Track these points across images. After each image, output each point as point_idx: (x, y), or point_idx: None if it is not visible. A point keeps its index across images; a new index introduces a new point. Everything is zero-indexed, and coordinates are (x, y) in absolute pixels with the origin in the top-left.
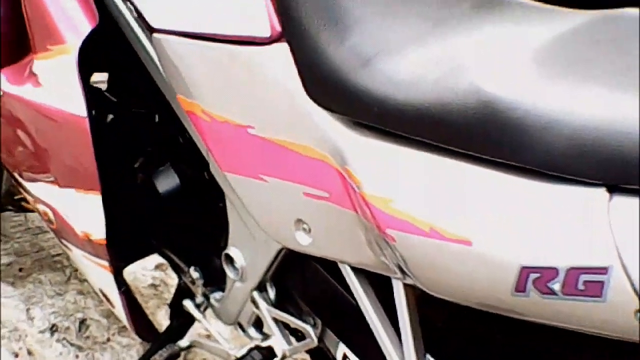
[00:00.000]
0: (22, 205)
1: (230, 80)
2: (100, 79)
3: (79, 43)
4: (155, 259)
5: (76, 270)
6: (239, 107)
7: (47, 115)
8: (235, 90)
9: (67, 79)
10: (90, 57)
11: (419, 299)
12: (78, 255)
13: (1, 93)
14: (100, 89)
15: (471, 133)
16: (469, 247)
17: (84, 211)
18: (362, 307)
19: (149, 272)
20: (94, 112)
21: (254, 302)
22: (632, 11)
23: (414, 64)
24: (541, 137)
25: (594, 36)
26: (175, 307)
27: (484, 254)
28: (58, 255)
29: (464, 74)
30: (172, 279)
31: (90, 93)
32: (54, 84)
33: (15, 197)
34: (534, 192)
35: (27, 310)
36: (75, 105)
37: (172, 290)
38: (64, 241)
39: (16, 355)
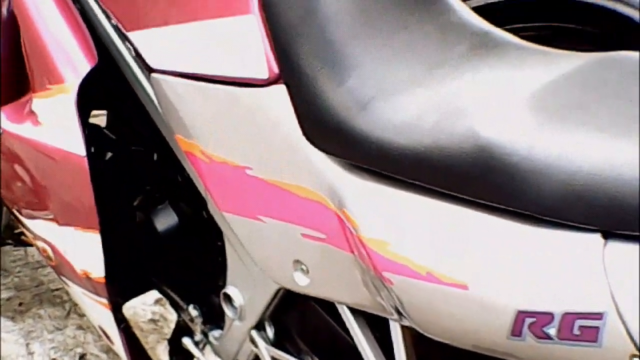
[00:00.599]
0: (22, 239)
1: (228, 121)
2: (98, 114)
3: (78, 82)
4: (154, 293)
5: (76, 304)
6: (237, 148)
7: (46, 154)
8: (234, 131)
9: (66, 118)
10: (88, 94)
11: (416, 339)
12: (77, 292)
13: (1, 131)
14: (99, 126)
15: (468, 177)
16: (465, 291)
17: (83, 249)
18: (359, 347)
19: (148, 307)
20: (92, 149)
21: (252, 341)
22: (629, 54)
23: (411, 108)
24: (537, 182)
25: (591, 80)
26: (174, 344)
27: (481, 298)
28: (57, 289)
29: (461, 119)
30: (172, 314)
31: (89, 130)
32: (53, 123)
33: (15, 231)
34: (530, 237)
35: (27, 345)
36: (74, 144)
37: (172, 326)
38: (63, 277)
39: None
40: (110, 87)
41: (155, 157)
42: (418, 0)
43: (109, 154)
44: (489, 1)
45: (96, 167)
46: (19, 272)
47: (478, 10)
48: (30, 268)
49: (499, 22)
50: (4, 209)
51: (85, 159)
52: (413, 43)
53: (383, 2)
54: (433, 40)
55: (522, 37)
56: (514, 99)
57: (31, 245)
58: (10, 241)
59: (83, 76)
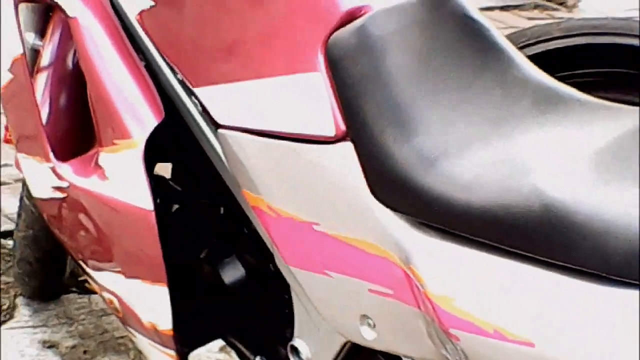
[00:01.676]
0: (86, 287)
1: (295, 177)
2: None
3: (145, 138)
4: (219, 342)
5: (140, 352)
6: (304, 203)
7: (113, 208)
8: (301, 187)
9: (134, 173)
10: (154, 147)
11: None
12: (143, 342)
13: (68, 184)
14: (164, 177)
15: (533, 235)
16: (532, 348)
17: (151, 302)
18: None
19: (213, 354)
20: (158, 200)
21: None
22: None
23: (476, 166)
24: (602, 240)
25: None
26: None
27: (546, 355)
28: (122, 337)
29: (526, 176)
30: None
31: (155, 182)
32: (121, 178)
33: (79, 279)
34: (594, 295)
35: None
36: (142, 198)
37: None
38: (129, 328)
39: None
40: (175, 140)
41: (221, 210)
42: (481, 56)
43: (175, 206)
44: (542, 49)
45: (162, 220)
46: (83, 320)
47: (531, 58)
48: (95, 316)
49: (552, 69)
50: (68, 257)
51: (153, 213)
52: (477, 99)
53: (447, 58)
54: (497, 96)
55: (576, 84)
56: (578, 156)
57: (95, 293)
58: (74, 289)
59: (150, 131)
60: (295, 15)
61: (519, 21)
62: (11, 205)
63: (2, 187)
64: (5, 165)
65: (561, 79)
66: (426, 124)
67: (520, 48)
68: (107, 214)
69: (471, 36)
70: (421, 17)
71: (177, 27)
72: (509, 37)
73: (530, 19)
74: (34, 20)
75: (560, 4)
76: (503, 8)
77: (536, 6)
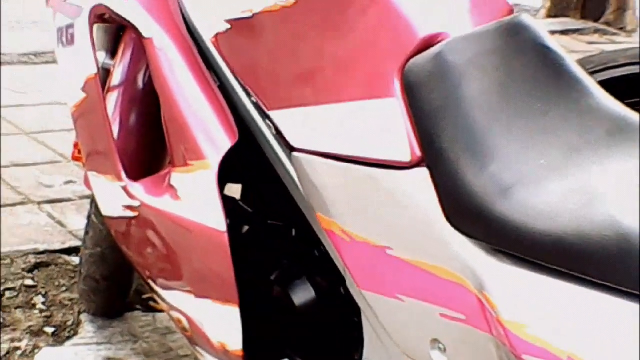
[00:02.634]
0: (150, 305)
1: (370, 202)
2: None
3: (218, 159)
4: None
5: None
6: (378, 228)
7: (185, 227)
8: (375, 211)
9: (206, 194)
10: (226, 168)
11: None
12: None
13: (139, 203)
14: (235, 198)
15: (608, 264)
16: None
17: (221, 322)
18: None
19: None
20: (228, 221)
21: None
22: None
23: (551, 194)
24: None
25: None
26: None
27: None
28: (186, 356)
29: (602, 206)
30: None
31: (225, 203)
32: (193, 198)
33: (144, 296)
34: None
35: None
36: (214, 219)
37: None
38: (197, 348)
39: None
40: (246, 161)
41: (292, 231)
42: (556, 84)
43: (246, 227)
44: (608, 76)
45: (233, 240)
46: (147, 337)
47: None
48: (159, 334)
49: (618, 96)
50: (133, 275)
51: (225, 234)
52: (552, 127)
53: (523, 86)
54: (571, 125)
55: None
56: None
57: (160, 310)
58: (138, 306)
59: (224, 153)
60: (372, 41)
61: (579, 45)
62: (75, 222)
63: (67, 203)
64: (70, 182)
65: (628, 107)
66: (502, 151)
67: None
68: (178, 233)
69: (546, 64)
70: (497, 45)
71: (252, 50)
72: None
73: (590, 43)
74: (105, 39)
75: (620, 28)
76: (563, 32)
77: (596, 30)
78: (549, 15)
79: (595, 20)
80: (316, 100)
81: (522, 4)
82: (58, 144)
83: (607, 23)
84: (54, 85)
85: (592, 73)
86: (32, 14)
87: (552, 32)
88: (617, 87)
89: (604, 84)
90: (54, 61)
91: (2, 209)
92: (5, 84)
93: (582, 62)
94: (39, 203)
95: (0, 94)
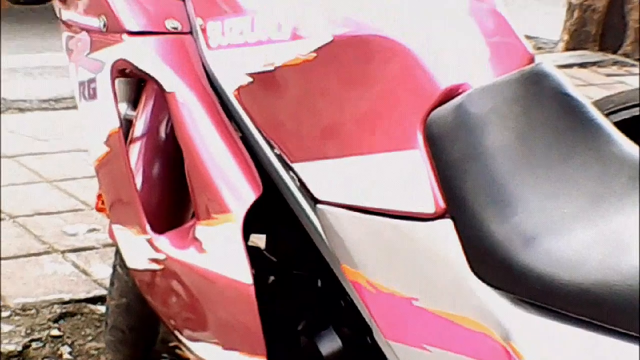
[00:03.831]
0: (177, 354)
1: (394, 253)
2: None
3: (243, 212)
4: None
5: None
6: (403, 279)
7: (212, 281)
8: (400, 262)
9: (232, 247)
10: (250, 219)
11: None
12: None
13: (165, 257)
14: (260, 248)
15: (634, 314)
16: None
17: None
18: None
19: None
20: (253, 271)
21: None
22: None
23: (575, 243)
24: None
25: None
26: None
27: None
28: None
29: (627, 255)
30: None
31: (250, 253)
32: (219, 251)
33: (170, 344)
34: None
35: None
36: (240, 272)
37: None
38: None
39: None
40: (271, 212)
41: (318, 282)
42: (578, 132)
43: (271, 278)
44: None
45: (259, 291)
46: None
47: (618, 124)
48: None
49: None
50: (160, 325)
51: (252, 287)
52: (575, 176)
53: (545, 135)
54: (594, 173)
55: None
56: None
57: (187, 358)
58: (165, 355)
59: (248, 206)
60: (394, 93)
61: (598, 78)
62: (99, 271)
63: (91, 251)
64: (94, 230)
65: None
66: (525, 201)
67: (608, 114)
68: (205, 286)
69: (568, 112)
70: (518, 94)
71: (275, 103)
72: (596, 103)
73: (608, 75)
74: (126, 90)
75: (638, 59)
76: (582, 65)
77: (614, 62)
78: (567, 49)
79: (614, 52)
80: (340, 153)
81: (540, 37)
82: (81, 192)
83: (626, 55)
84: (75, 132)
85: (613, 112)
86: (52, 60)
87: (571, 66)
88: (638, 127)
89: (625, 123)
90: (74, 107)
91: (27, 259)
92: (27, 131)
93: (603, 102)
94: (63, 252)
95: (0, 137)
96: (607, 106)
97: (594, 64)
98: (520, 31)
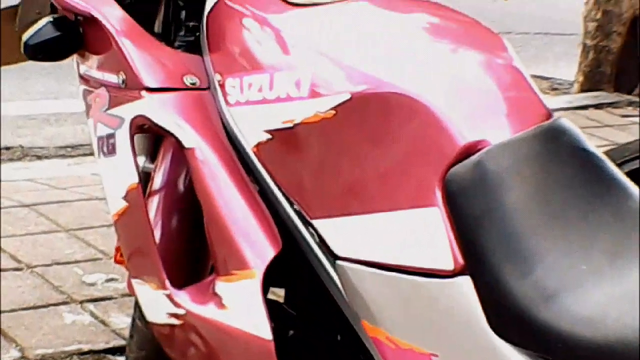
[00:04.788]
0: None
1: (414, 310)
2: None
3: (263, 268)
4: None
5: None
6: (423, 335)
7: (232, 336)
8: (420, 319)
9: (252, 303)
10: (270, 273)
11: None
12: None
13: (185, 312)
14: (279, 302)
15: None
16: None
17: None
18: None
19: None
20: (272, 325)
21: None
22: None
23: (594, 301)
24: None
25: None
26: None
27: None
28: None
29: None
30: None
31: (269, 307)
32: (239, 307)
33: None
34: None
35: None
36: (260, 328)
37: None
38: None
39: None
40: (289, 266)
41: (338, 337)
42: (596, 188)
43: (291, 332)
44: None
45: (279, 345)
46: None
47: (634, 173)
48: None
49: None
50: None
51: (272, 342)
52: (592, 232)
53: (562, 191)
54: (612, 229)
55: None
56: None
57: None
58: None
59: (268, 262)
60: (412, 151)
61: (613, 119)
62: (118, 321)
63: (109, 301)
64: (112, 279)
65: None
66: (543, 258)
67: (623, 163)
68: (225, 341)
69: (585, 168)
70: (536, 151)
71: (294, 160)
72: (611, 152)
73: (624, 116)
74: (145, 143)
75: None
76: (597, 106)
77: (629, 103)
78: (582, 90)
79: (629, 92)
80: (359, 210)
81: (555, 78)
82: (99, 241)
83: None
84: (93, 180)
85: (628, 161)
86: (69, 106)
87: (586, 107)
88: None
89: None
90: (91, 153)
91: (46, 309)
92: (45, 179)
93: (618, 151)
94: (81, 302)
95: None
96: (624, 154)
97: (609, 105)
98: (537, 88)
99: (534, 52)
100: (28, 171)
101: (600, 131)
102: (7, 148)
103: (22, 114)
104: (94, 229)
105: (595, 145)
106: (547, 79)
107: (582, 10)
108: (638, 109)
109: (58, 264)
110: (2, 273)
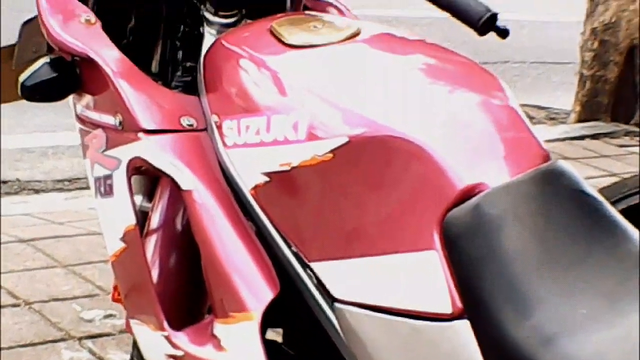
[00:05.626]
0: None
1: (412, 353)
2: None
3: (261, 311)
4: None
5: None
6: None
7: None
8: None
9: (250, 344)
10: (268, 314)
11: None
12: None
13: (183, 353)
14: (278, 342)
15: None
16: None
17: None
18: None
19: None
20: None
21: None
22: None
23: (594, 344)
24: None
25: None
26: None
27: None
28: None
29: None
30: None
31: (268, 347)
32: (237, 349)
33: None
34: None
35: None
36: None
37: None
38: None
39: None
40: (287, 307)
41: None
42: (594, 230)
43: None
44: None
45: None
46: None
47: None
48: None
49: None
50: None
51: None
52: (591, 275)
53: (561, 234)
54: (610, 272)
55: None
56: None
57: None
58: None
59: (266, 305)
60: (411, 194)
61: (610, 149)
62: (116, 357)
63: (107, 338)
64: (110, 315)
65: None
66: (543, 302)
67: (622, 199)
68: None
69: (583, 211)
70: (534, 194)
71: (292, 203)
72: (610, 188)
73: (621, 146)
74: (142, 182)
75: None
76: (594, 136)
77: (627, 133)
78: (579, 120)
79: (626, 122)
80: (357, 253)
81: (552, 108)
82: (97, 277)
83: (638, 125)
84: (90, 214)
85: (627, 197)
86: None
87: (583, 137)
88: None
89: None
90: (88, 187)
91: (44, 346)
92: (42, 214)
93: (617, 186)
94: (80, 339)
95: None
96: (621, 190)
97: (606, 134)
98: (534, 130)
99: (531, 82)
100: (26, 205)
101: (598, 161)
102: (5, 182)
103: (20, 147)
104: (92, 264)
105: (592, 175)
106: (544, 108)
107: (578, 40)
108: (636, 138)
109: (56, 300)
110: (0, 310)
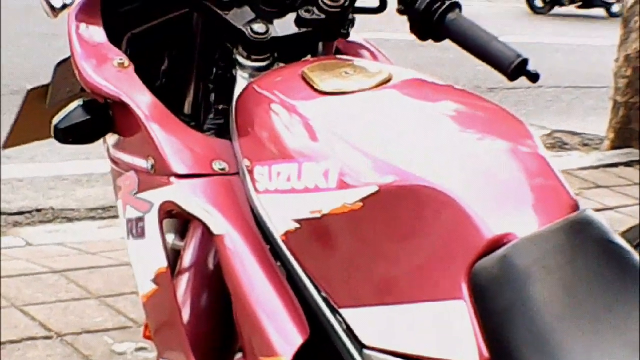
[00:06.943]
0: None
1: None
2: None
3: (290, 355)
4: None
5: None
6: None
7: None
8: None
9: None
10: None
11: None
12: None
13: None
14: None
15: None
16: None
17: None
18: None
19: None
20: None
21: None
22: None
23: None
24: None
25: None
26: None
27: None
28: None
29: None
30: None
31: None
32: None
33: None
34: None
35: None
36: None
37: None
38: None
39: None
40: (317, 352)
41: None
42: (620, 280)
43: None
44: None
45: None
46: None
47: None
48: None
49: None
50: None
51: None
52: (617, 325)
53: (587, 283)
54: (636, 321)
55: None
56: None
57: None
58: None
59: (295, 349)
60: (440, 244)
61: None
62: None
63: None
64: (142, 349)
65: None
66: (570, 352)
67: None
68: None
69: (611, 260)
70: (562, 243)
71: (322, 249)
72: (632, 230)
73: None
74: (174, 221)
75: None
76: (627, 164)
77: None
78: (612, 147)
79: None
80: (386, 301)
81: (586, 133)
82: (129, 309)
83: None
84: (122, 245)
85: None
86: (99, 167)
87: (617, 164)
88: None
89: None
90: None
91: None
92: (75, 243)
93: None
94: None
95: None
96: None
97: (639, 162)
98: (563, 177)
99: (564, 106)
100: (58, 234)
101: (631, 189)
102: (38, 210)
103: (53, 175)
104: (124, 296)
105: (626, 203)
106: (578, 134)
107: (612, 67)
108: None
109: (88, 332)
110: (32, 341)
